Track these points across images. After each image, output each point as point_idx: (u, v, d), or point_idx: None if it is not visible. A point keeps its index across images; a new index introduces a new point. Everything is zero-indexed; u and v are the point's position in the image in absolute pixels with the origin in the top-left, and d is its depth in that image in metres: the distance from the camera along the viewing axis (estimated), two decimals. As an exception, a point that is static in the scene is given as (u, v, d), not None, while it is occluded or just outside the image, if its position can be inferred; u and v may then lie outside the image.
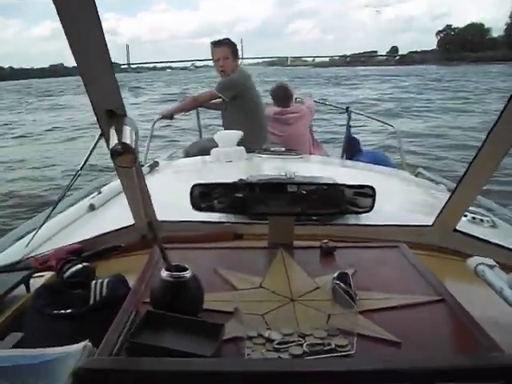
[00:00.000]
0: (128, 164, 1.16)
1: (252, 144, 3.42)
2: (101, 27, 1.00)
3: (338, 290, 1.01)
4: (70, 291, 1.21)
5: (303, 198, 1.38)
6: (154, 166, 3.20)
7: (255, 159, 3.18)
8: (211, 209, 1.41)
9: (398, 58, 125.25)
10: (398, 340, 0.90)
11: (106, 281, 1.21)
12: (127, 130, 1.19)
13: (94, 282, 1.22)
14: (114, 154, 1.11)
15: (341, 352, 0.85)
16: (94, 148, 1.41)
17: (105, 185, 2.76)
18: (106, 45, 1.06)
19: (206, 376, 0.69)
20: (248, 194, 1.41)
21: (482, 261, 1.13)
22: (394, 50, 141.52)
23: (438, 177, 3.33)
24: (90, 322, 1.05)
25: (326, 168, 3.16)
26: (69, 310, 1.09)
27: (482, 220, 2.21)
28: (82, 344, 0.94)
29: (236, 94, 3.87)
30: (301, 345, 0.85)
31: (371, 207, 1.36)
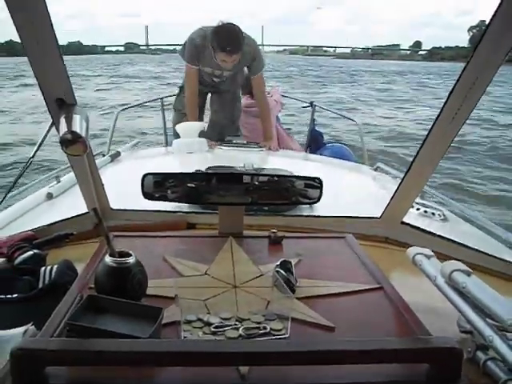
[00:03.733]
0: (78, 152, 1.18)
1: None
2: (47, 12, 1.01)
3: (277, 277, 1.04)
4: (18, 277, 1.21)
5: (255, 189, 1.41)
6: (115, 156, 3.20)
7: (216, 151, 3.20)
8: (163, 198, 1.43)
9: (425, 52, 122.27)
10: (332, 325, 0.95)
11: (54, 267, 1.22)
12: (77, 118, 1.20)
13: (43, 268, 1.23)
14: (64, 142, 1.13)
15: (275, 335, 0.89)
16: (45, 136, 1.42)
17: (64, 174, 2.74)
18: (53, 33, 1.07)
19: (136, 356, 0.71)
20: (200, 184, 1.44)
21: (420, 251, 1.17)
22: (417, 44, 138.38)
23: (397, 171, 3.39)
24: (35, 307, 1.06)
25: (286, 161, 3.19)
26: (14, 295, 1.10)
27: (433, 213, 2.29)
28: (24, 327, 0.96)
29: None
30: (237, 328, 0.89)
31: (318, 198, 1.40)
